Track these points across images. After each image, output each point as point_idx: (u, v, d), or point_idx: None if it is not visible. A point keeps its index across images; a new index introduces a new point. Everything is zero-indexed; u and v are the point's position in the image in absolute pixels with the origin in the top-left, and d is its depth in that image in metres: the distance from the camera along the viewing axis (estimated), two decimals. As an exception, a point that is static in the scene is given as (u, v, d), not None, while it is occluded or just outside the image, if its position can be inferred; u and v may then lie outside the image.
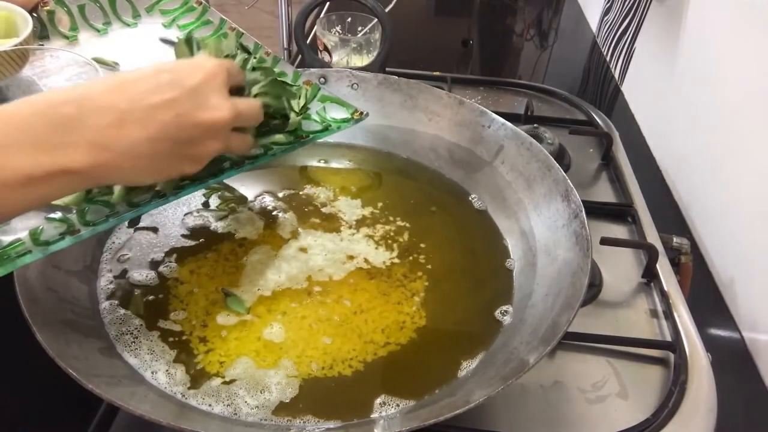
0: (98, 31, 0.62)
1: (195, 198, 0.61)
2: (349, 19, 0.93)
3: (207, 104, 0.39)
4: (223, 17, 0.65)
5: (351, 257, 0.56)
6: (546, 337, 0.44)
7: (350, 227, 0.60)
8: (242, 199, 0.62)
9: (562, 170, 0.56)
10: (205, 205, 0.60)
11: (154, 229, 0.57)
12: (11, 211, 0.33)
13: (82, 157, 0.33)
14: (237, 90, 0.46)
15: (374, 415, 0.44)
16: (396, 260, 0.56)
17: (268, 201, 0.62)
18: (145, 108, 0.37)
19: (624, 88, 1.03)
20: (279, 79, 0.52)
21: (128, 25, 0.64)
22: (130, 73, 0.38)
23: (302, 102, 0.56)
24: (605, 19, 1.16)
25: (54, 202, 0.42)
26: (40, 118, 0.33)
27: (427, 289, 0.54)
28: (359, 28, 0.93)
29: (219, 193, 0.62)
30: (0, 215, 0.33)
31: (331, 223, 0.60)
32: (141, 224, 0.57)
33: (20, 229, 0.41)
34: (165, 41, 0.63)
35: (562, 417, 0.50)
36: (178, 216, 0.59)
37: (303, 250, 0.57)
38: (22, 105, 0.33)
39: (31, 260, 0.40)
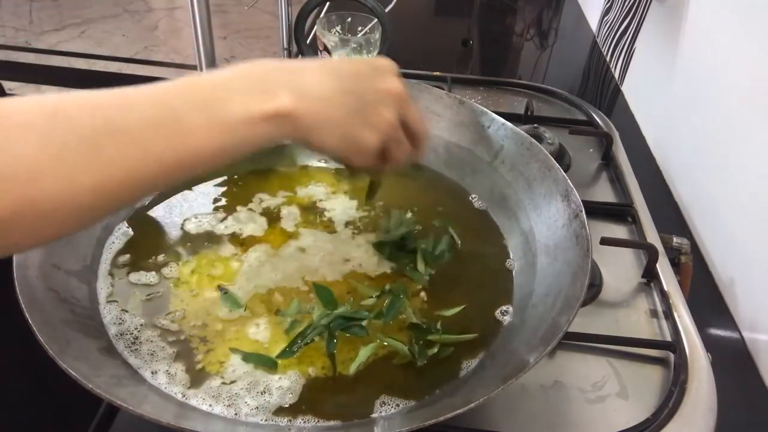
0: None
1: (195, 198, 0.61)
2: (349, 19, 0.93)
3: (385, 77, 0.45)
4: None
5: (347, 260, 0.56)
6: (546, 337, 0.44)
7: (350, 227, 0.60)
8: (243, 199, 0.62)
9: (562, 170, 0.56)
10: (206, 204, 0.60)
11: (154, 229, 0.57)
12: (237, 147, 0.38)
13: (288, 101, 0.39)
14: None
15: (374, 415, 0.44)
16: (390, 262, 0.56)
17: (268, 201, 0.62)
18: (335, 68, 0.43)
19: (624, 88, 1.03)
20: None
21: None
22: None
23: None
24: (605, 19, 1.16)
25: None
26: (250, 72, 0.40)
27: (427, 290, 0.54)
28: (359, 28, 0.93)
29: (219, 192, 0.62)
30: (230, 150, 0.38)
31: (330, 223, 0.60)
32: (141, 224, 0.57)
33: None
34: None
35: (562, 417, 0.50)
36: (178, 216, 0.59)
37: (302, 249, 0.57)
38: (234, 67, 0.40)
39: None
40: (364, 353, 0.47)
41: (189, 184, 0.62)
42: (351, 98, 0.42)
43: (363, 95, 0.43)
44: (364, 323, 0.49)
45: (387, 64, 0.46)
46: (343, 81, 0.42)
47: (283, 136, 0.40)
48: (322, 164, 0.67)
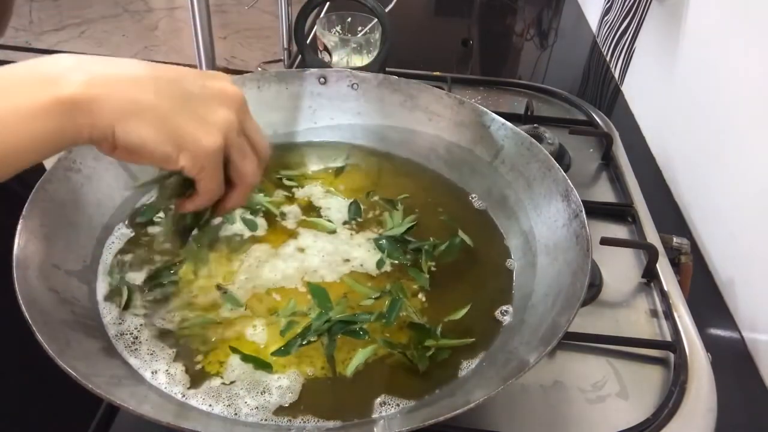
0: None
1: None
2: (349, 19, 0.93)
3: (217, 79, 0.38)
4: None
5: (347, 260, 0.56)
6: (546, 337, 0.44)
7: (349, 228, 0.60)
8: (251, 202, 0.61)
9: (562, 170, 0.56)
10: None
11: (154, 229, 0.57)
12: (11, 151, 0.31)
13: (76, 88, 0.31)
14: None
15: (374, 415, 0.44)
16: (394, 261, 0.56)
17: (276, 204, 0.62)
18: (150, 64, 0.36)
19: (624, 88, 1.03)
20: None
21: None
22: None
23: None
24: (605, 19, 1.16)
25: None
26: (33, 63, 0.33)
27: (427, 290, 0.54)
28: (359, 28, 0.93)
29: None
30: (9, 151, 0.31)
31: (329, 223, 0.60)
32: (140, 224, 0.57)
33: None
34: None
35: (562, 417, 0.50)
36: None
37: (301, 250, 0.57)
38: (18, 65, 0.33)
39: None
40: (362, 354, 0.47)
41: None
42: (171, 86, 0.35)
43: (188, 87, 0.36)
44: (365, 326, 0.49)
45: (222, 73, 0.40)
46: (161, 70, 0.35)
47: (78, 131, 0.32)
48: (322, 165, 0.67)
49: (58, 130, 0.32)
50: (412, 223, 0.60)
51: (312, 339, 0.48)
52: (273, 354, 0.47)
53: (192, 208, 0.42)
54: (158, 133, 0.34)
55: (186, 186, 0.41)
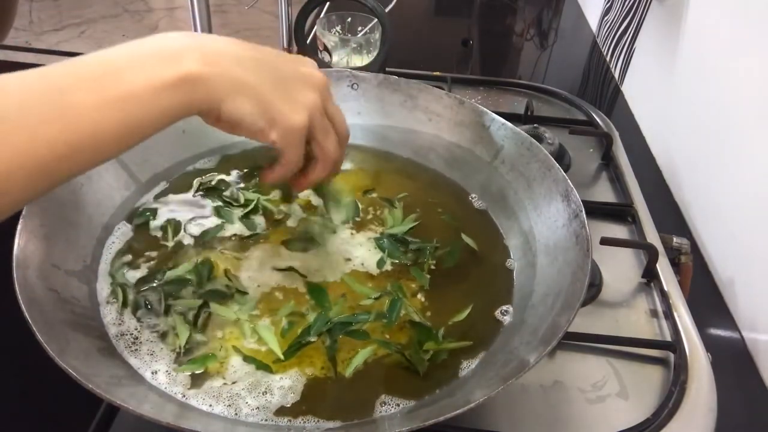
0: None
1: (196, 198, 0.61)
2: (349, 19, 0.93)
3: (305, 64, 0.42)
4: None
5: (348, 259, 0.56)
6: (546, 337, 0.44)
7: (349, 227, 0.60)
8: (243, 199, 0.62)
9: (562, 170, 0.56)
10: (206, 204, 0.60)
11: (154, 228, 0.57)
12: (142, 122, 0.35)
13: (195, 65, 0.35)
14: None
15: (375, 415, 0.44)
16: (394, 261, 0.56)
17: (275, 204, 0.62)
18: (247, 43, 0.40)
19: (624, 88, 1.03)
20: None
21: None
22: None
23: None
24: (605, 19, 1.16)
25: None
26: (146, 43, 0.36)
27: (427, 289, 0.54)
28: (359, 28, 0.93)
29: (220, 192, 0.62)
30: (135, 127, 0.35)
31: (329, 222, 0.60)
32: (140, 224, 0.57)
33: None
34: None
35: (562, 417, 0.50)
36: (178, 215, 0.59)
37: (303, 249, 0.57)
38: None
39: None
40: (361, 355, 0.47)
41: (189, 186, 0.62)
42: (268, 68, 0.39)
43: (281, 69, 0.40)
44: (365, 327, 0.49)
45: (308, 59, 0.44)
46: (257, 51, 0.39)
47: (195, 105, 0.36)
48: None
49: (181, 103, 0.35)
50: (414, 223, 0.60)
51: (312, 340, 0.48)
52: (275, 362, 0.47)
53: (272, 179, 0.46)
54: (257, 110, 0.38)
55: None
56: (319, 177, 0.47)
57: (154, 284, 0.52)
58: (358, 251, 0.57)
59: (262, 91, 0.38)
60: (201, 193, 0.61)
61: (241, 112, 0.38)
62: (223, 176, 0.64)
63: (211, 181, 0.63)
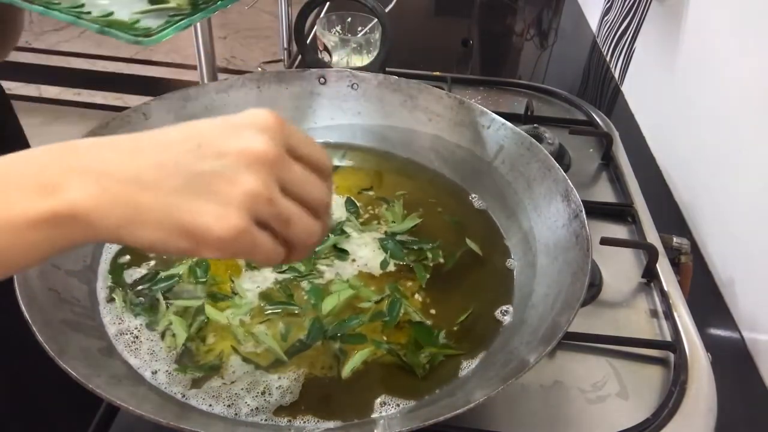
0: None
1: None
2: (349, 19, 0.93)
3: (242, 134, 0.32)
4: None
5: (353, 260, 0.56)
6: (546, 337, 0.44)
7: (353, 227, 0.60)
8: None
9: (562, 170, 0.56)
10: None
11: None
12: (12, 256, 0.29)
13: (78, 195, 0.29)
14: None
15: (374, 415, 0.44)
16: (395, 261, 0.56)
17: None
18: (156, 138, 0.32)
19: (624, 88, 1.03)
20: None
21: None
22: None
23: None
24: (605, 19, 1.16)
25: None
26: (37, 154, 0.30)
27: (427, 289, 0.54)
28: (359, 28, 0.93)
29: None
30: (7, 261, 0.29)
31: (333, 222, 0.60)
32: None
33: None
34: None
35: (562, 417, 0.50)
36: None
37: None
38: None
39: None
40: (360, 356, 0.47)
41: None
42: (176, 171, 0.30)
43: (197, 164, 0.30)
44: (362, 328, 0.49)
45: (256, 116, 0.32)
46: (162, 151, 0.31)
47: (79, 240, 0.30)
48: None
49: (56, 239, 0.29)
50: (417, 221, 0.60)
51: (310, 343, 0.48)
52: (273, 365, 0.47)
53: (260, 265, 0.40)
54: (166, 233, 0.30)
55: None
56: (302, 258, 0.38)
57: (154, 284, 0.52)
58: (362, 251, 0.57)
59: (167, 207, 0.30)
60: None
61: (146, 240, 0.30)
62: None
63: None
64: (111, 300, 0.50)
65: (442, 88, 0.67)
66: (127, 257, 0.54)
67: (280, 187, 0.32)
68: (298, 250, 0.35)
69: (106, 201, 0.29)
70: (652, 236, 0.66)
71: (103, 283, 0.52)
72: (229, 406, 0.44)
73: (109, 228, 0.30)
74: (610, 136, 0.80)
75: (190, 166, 0.31)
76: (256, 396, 0.44)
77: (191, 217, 0.30)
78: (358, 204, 0.62)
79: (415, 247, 0.57)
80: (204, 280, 0.52)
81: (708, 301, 0.66)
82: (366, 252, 0.57)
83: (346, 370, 0.47)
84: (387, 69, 0.82)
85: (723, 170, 0.70)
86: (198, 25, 0.80)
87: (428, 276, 0.55)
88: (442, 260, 0.57)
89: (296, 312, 0.51)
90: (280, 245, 0.34)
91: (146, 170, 0.30)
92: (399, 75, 0.68)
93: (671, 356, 0.55)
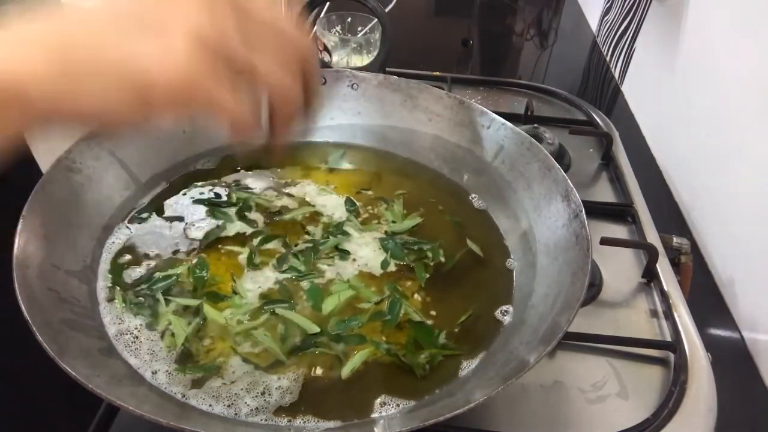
0: None
1: (195, 199, 0.61)
2: (349, 19, 0.93)
3: None
4: None
5: (353, 259, 0.56)
6: (546, 337, 0.44)
7: (354, 227, 0.60)
8: (243, 199, 0.62)
9: (562, 170, 0.56)
10: (205, 202, 0.60)
11: (155, 229, 0.57)
12: None
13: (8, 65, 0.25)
14: None
15: (374, 415, 0.44)
16: (396, 261, 0.56)
17: (268, 200, 0.62)
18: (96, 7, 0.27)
19: (624, 88, 1.03)
20: None
21: None
22: None
23: None
24: (605, 19, 1.16)
25: None
26: None
27: (427, 289, 0.54)
28: (359, 28, 0.93)
29: (220, 191, 0.62)
30: None
31: (329, 223, 0.60)
32: (141, 224, 0.57)
33: None
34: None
35: (562, 417, 0.50)
36: (179, 214, 0.59)
37: (302, 251, 0.57)
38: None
39: None
40: (359, 357, 0.47)
41: (188, 185, 0.62)
42: (108, 21, 0.27)
43: (133, 12, 0.27)
44: (360, 329, 0.49)
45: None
46: (96, 13, 0.27)
47: (21, 122, 0.27)
48: (322, 165, 0.67)
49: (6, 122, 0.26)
50: (418, 220, 0.60)
51: (309, 344, 0.48)
52: (273, 365, 0.47)
53: (234, 140, 0.32)
54: (109, 91, 0.26)
55: None
56: (286, 122, 0.32)
57: (154, 284, 0.52)
58: (363, 251, 0.57)
59: (104, 59, 0.26)
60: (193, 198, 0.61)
61: (90, 105, 0.26)
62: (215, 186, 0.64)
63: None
64: (111, 300, 0.50)
65: (442, 88, 0.67)
66: (127, 257, 0.54)
67: (242, 39, 0.27)
68: (276, 116, 0.30)
69: (40, 70, 0.25)
70: (652, 236, 0.66)
71: (103, 283, 0.52)
72: (229, 406, 0.44)
73: (47, 100, 0.26)
74: (610, 136, 0.80)
75: (128, 15, 0.27)
76: (256, 396, 0.44)
77: (132, 60, 0.26)
78: (357, 204, 0.62)
79: (416, 247, 0.57)
80: (204, 279, 0.52)
81: (708, 301, 0.66)
82: (366, 252, 0.57)
83: (346, 371, 0.47)
84: (387, 69, 0.82)
85: (723, 170, 0.70)
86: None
87: (428, 276, 0.55)
88: (442, 260, 0.57)
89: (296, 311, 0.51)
90: (249, 104, 0.28)
91: (78, 31, 0.26)
92: (399, 75, 0.68)
93: (671, 356, 0.55)
